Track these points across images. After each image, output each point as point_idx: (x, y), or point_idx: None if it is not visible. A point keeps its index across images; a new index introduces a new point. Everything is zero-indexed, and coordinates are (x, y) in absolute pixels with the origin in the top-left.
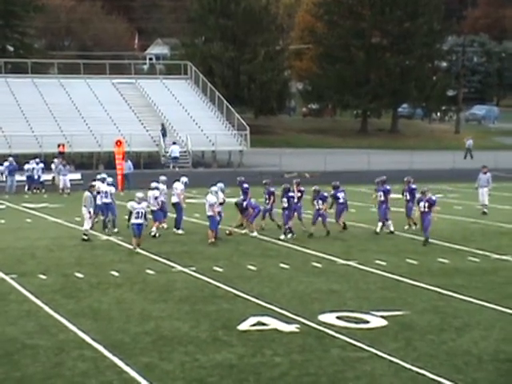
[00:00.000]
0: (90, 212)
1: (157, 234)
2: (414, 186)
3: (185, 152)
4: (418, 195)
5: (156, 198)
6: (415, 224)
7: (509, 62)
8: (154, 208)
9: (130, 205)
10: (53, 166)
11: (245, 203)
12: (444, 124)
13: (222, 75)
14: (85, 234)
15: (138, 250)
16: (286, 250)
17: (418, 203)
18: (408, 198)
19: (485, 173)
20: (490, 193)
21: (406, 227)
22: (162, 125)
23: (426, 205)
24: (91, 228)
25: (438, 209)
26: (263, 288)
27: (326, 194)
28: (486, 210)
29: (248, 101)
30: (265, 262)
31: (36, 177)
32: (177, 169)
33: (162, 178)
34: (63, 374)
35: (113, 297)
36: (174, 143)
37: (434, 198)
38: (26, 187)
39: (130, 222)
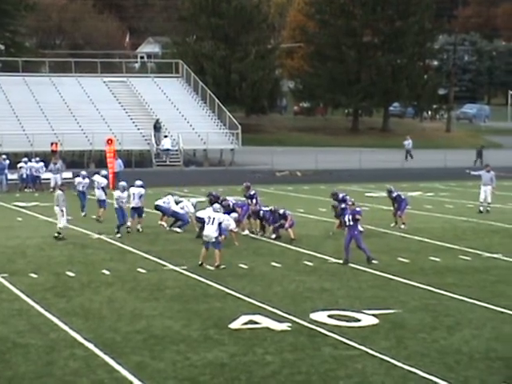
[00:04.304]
0: (62, 210)
1: (140, 229)
2: (395, 195)
3: (176, 150)
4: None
5: (140, 197)
6: (403, 223)
7: (499, 61)
8: (138, 205)
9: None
10: (51, 165)
11: (231, 204)
12: (435, 123)
13: (214, 74)
14: (58, 233)
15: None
16: (277, 249)
17: (344, 215)
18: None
19: (488, 171)
20: (494, 191)
21: (392, 224)
22: (157, 120)
23: (351, 217)
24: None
25: (361, 229)
26: (255, 287)
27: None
28: (488, 209)
29: (239, 99)
30: (256, 261)
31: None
32: (168, 161)
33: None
34: (54, 372)
35: (104, 296)
36: (166, 136)
37: (358, 209)
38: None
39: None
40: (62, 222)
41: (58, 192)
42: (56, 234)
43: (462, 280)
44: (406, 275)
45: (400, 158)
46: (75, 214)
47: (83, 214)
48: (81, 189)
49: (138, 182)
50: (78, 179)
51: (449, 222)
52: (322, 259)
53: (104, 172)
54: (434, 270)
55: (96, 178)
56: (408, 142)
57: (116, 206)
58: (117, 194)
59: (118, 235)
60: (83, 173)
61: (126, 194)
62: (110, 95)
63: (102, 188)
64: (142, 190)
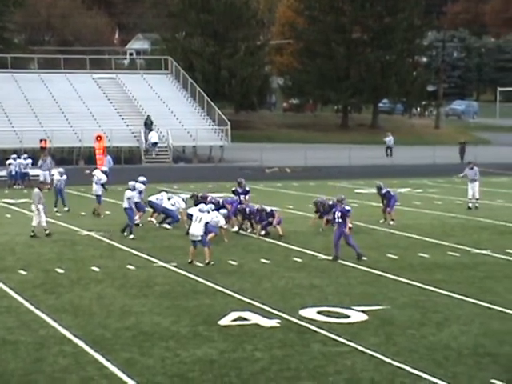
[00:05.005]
0: (38, 209)
1: (140, 224)
2: (384, 191)
3: (165, 147)
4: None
5: (140, 193)
6: (392, 220)
7: (488, 58)
8: (137, 201)
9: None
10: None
11: (221, 201)
12: (424, 119)
13: (203, 70)
14: (32, 231)
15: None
16: (266, 245)
17: (333, 212)
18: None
19: (471, 168)
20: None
21: (381, 221)
22: (149, 117)
23: (339, 215)
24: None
25: (350, 226)
26: (244, 283)
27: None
28: (477, 205)
29: (229, 96)
30: (246, 257)
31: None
32: (154, 155)
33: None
34: (44, 369)
35: (93, 292)
36: (152, 130)
37: (347, 207)
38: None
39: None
40: (35, 220)
41: (35, 190)
42: (32, 234)
43: (450, 276)
44: (395, 271)
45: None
46: (63, 211)
47: (66, 208)
48: (58, 186)
49: (141, 178)
50: (56, 176)
51: (437, 218)
52: (312, 256)
53: (104, 168)
54: (423, 267)
55: (96, 172)
56: (389, 139)
57: (127, 205)
58: (129, 193)
59: (131, 236)
60: (61, 170)
61: (135, 193)
62: (99, 92)
63: (102, 185)
64: (142, 186)
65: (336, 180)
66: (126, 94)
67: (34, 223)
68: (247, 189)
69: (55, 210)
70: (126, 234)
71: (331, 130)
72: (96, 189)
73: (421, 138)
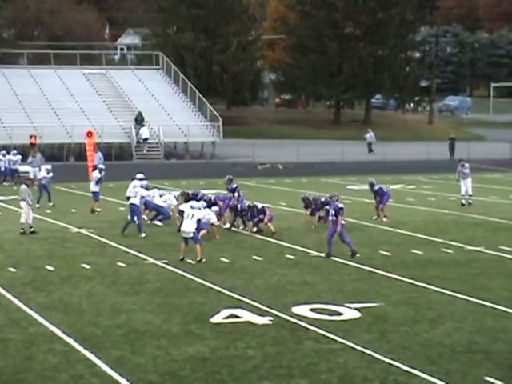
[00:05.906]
0: (30, 205)
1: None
2: (377, 188)
3: (157, 143)
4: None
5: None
6: (385, 216)
7: (482, 53)
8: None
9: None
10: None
11: (213, 197)
12: (417, 115)
13: (194, 66)
14: (22, 228)
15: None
16: (259, 242)
17: (326, 209)
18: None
19: (462, 165)
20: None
21: (374, 217)
22: (140, 113)
23: (333, 212)
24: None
25: (343, 222)
26: (236, 280)
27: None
28: (470, 201)
29: (220, 91)
30: (238, 254)
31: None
32: (145, 151)
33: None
34: (34, 367)
35: (84, 290)
36: (143, 125)
37: (340, 205)
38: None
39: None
40: (23, 217)
41: (23, 187)
42: (21, 231)
43: (444, 273)
44: (388, 268)
45: (382, 150)
46: (57, 207)
47: (51, 204)
48: (43, 182)
49: (139, 175)
50: (42, 173)
51: (431, 214)
52: (304, 252)
53: (102, 166)
54: (417, 263)
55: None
56: (370, 135)
57: (137, 203)
58: (144, 192)
59: (143, 235)
60: (48, 167)
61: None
62: (89, 87)
63: (96, 182)
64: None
65: (328, 176)
66: (117, 89)
67: (23, 220)
68: (234, 186)
69: (37, 206)
70: (141, 232)
71: (323, 125)
72: (92, 186)
73: (414, 133)
